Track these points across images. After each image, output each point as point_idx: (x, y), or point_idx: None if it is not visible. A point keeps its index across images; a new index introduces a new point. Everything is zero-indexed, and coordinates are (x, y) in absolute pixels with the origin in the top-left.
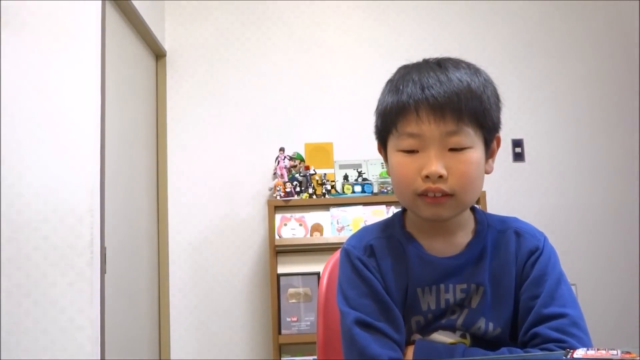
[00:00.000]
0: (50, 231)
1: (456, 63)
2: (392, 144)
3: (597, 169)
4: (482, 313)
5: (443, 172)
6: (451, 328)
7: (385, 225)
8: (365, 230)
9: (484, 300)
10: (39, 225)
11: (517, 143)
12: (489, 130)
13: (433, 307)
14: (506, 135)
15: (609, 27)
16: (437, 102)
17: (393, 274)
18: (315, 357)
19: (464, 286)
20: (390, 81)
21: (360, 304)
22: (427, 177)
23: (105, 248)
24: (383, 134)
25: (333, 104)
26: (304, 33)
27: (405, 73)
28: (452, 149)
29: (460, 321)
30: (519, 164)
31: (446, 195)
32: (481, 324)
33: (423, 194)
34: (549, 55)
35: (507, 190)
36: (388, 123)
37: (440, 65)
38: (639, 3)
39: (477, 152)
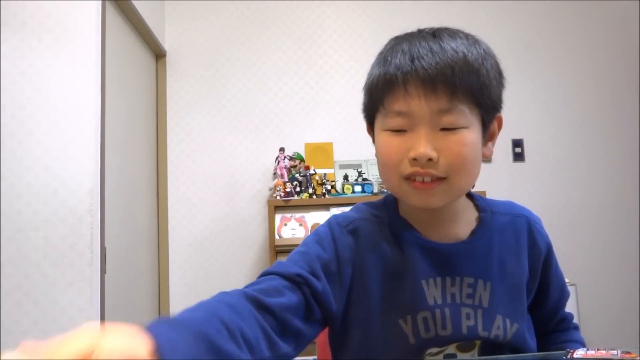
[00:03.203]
0: (50, 231)
1: (453, 32)
2: (379, 122)
3: (597, 168)
4: (497, 310)
5: (433, 154)
6: (474, 337)
7: (377, 209)
8: (357, 209)
9: (494, 296)
10: (39, 225)
11: (517, 143)
12: (487, 109)
13: (440, 301)
14: (506, 135)
15: (609, 27)
16: (427, 74)
17: (374, 260)
18: (315, 357)
19: (471, 280)
20: (380, 53)
21: (294, 257)
22: (414, 159)
23: (105, 248)
24: (370, 112)
25: (333, 104)
26: (304, 33)
27: (396, 43)
28: (444, 129)
29: (480, 326)
30: (519, 164)
31: (437, 179)
32: (499, 322)
33: (410, 178)
34: (548, 56)
35: (507, 190)
36: (374, 99)
37: (435, 35)
38: (639, 3)
39: (472, 133)
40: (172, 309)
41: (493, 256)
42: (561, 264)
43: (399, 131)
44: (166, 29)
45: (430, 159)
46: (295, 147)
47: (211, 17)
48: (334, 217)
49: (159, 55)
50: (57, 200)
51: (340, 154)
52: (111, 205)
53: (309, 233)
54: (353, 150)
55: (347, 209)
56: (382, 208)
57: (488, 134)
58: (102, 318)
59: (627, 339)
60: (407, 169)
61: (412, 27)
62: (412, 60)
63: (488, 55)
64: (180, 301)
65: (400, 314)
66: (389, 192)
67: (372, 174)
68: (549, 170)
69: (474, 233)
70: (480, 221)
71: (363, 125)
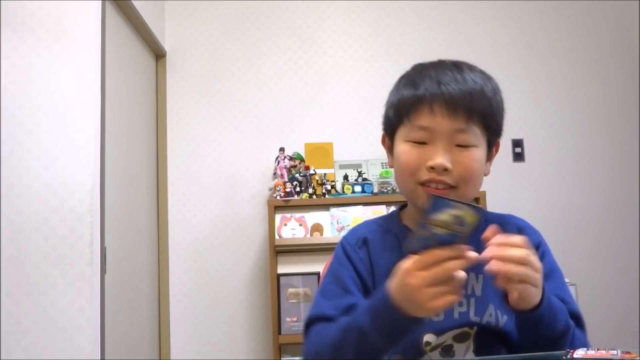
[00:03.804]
0: (50, 231)
1: (471, 67)
2: (401, 134)
3: (597, 168)
4: (489, 300)
5: (448, 165)
6: (466, 323)
7: (383, 219)
8: (364, 224)
9: (487, 287)
10: (39, 225)
11: (517, 143)
12: (492, 133)
13: None
14: (506, 135)
15: (609, 27)
16: (452, 98)
17: (385, 265)
18: None
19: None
20: (404, 77)
21: (327, 289)
22: (432, 168)
23: (105, 248)
24: (393, 125)
25: (333, 104)
26: (304, 33)
27: (422, 69)
28: (459, 145)
29: (472, 312)
30: (519, 164)
31: (448, 187)
32: (491, 310)
33: (425, 184)
34: (549, 55)
35: (507, 190)
36: (401, 115)
37: (456, 65)
38: (639, 3)
39: (480, 151)
40: (172, 309)
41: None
42: (561, 264)
43: (420, 143)
44: (166, 29)
45: (445, 169)
46: (295, 147)
47: (211, 17)
48: (345, 238)
49: (159, 55)
50: (57, 200)
51: (340, 154)
52: (111, 205)
53: (308, 231)
54: (353, 150)
55: (347, 208)
56: (387, 220)
57: (489, 155)
58: (102, 318)
59: (627, 339)
60: (424, 175)
61: (411, 28)
62: (439, 85)
63: (498, 89)
64: (180, 301)
65: None
66: (403, 195)
67: (372, 174)
68: (549, 170)
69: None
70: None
71: (363, 125)
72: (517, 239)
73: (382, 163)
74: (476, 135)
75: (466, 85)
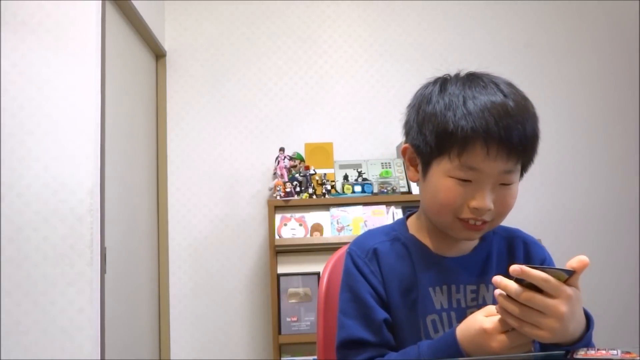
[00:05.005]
0: (50, 231)
1: (511, 85)
2: (443, 167)
3: (597, 169)
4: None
5: (492, 206)
6: None
7: (389, 228)
8: (370, 233)
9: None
10: (39, 225)
11: None
12: (527, 166)
13: (446, 306)
14: None
15: (609, 27)
16: (511, 144)
17: (395, 276)
18: (315, 357)
19: (474, 287)
20: (450, 94)
21: (349, 307)
22: (475, 209)
23: (105, 248)
24: (433, 153)
25: (333, 104)
26: (304, 33)
27: (470, 88)
28: (501, 184)
29: None
30: None
31: (484, 222)
32: None
33: (463, 220)
34: (548, 56)
35: None
36: (448, 148)
37: (504, 93)
38: (639, 3)
39: (517, 185)
40: (172, 309)
41: (491, 266)
42: (561, 264)
43: (465, 181)
44: (166, 29)
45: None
46: (295, 147)
47: (211, 17)
48: (352, 250)
49: (159, 55)
50: (57, 200)
51: (340, 154)
52: (111, 205)
53: (308, 231)
54: (353, 150)
55: (347, 208)
56: (394, 229)
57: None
58: (102, 318)
59: (627, 339)
60: (466, 214)
61: (411, 27)
62: (497, 123)
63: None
64: (180, 301)
65: (416, 318)
66: (434, 222)
67: (372, 174)
68: (549, 170)
69: (475, 248)
70: (482, 239)
71: (363, 125)
72: (514, 286)
73: (382, 163)
74: (517, 173)
75: (520, 122)
